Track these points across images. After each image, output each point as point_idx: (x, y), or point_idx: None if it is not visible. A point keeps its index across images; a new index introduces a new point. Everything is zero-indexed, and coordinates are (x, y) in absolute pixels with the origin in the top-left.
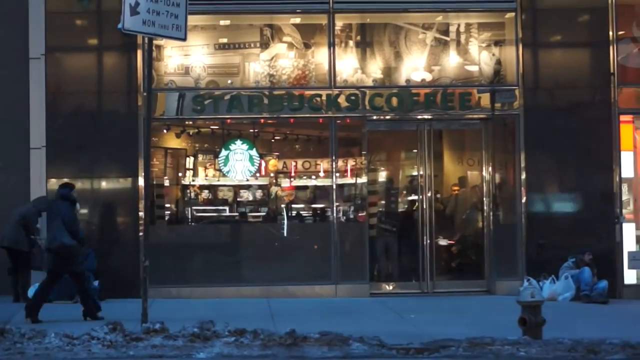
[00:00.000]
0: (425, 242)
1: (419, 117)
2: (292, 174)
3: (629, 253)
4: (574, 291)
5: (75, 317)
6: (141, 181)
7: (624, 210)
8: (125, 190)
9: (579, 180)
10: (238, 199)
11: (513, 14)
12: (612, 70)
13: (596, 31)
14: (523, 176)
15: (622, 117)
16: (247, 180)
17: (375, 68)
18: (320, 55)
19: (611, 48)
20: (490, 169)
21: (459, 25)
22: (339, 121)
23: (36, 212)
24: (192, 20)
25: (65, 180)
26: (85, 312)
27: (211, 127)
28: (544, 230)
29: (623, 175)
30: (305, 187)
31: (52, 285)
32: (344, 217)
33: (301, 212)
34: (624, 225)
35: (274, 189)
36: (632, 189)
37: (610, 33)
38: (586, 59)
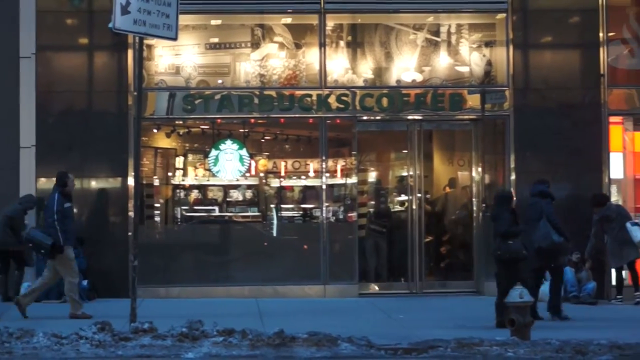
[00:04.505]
0: (414, 243)
1: (409, 117)
2: (282, 174)
3: None
4: (562, 292)
5: (63, 316)
6: (131, 181)
7: None
8: (114, 189)
9: (568, 181)
10: (228, 199)
11: (504, 15)
12: (602, 72)
13: (587, 32)
14: (513, 177)
15: (612, 119)
16: (237, 180)
17: (366, 68)
18: (311, 55)
19: (601, 49)
20: (480, 169)
21: (449, 26)
22: (329, 121)
23: (22, 210)
24: (183, 19)
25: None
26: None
27: (201, 126)
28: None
29: (612, 176)
30: (295, 187)
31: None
32: (334, 218)
33: (291, 212)
34: None
35: (263, 189)
36: (621, 190)
37: (601, 34)
38: (576, 60)
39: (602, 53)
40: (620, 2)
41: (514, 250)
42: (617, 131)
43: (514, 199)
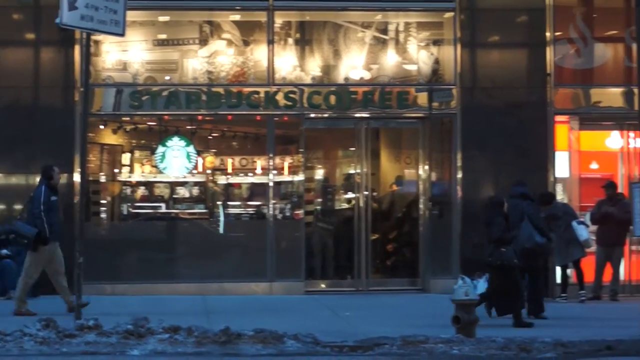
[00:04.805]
0: (361, 240)
1: (357, 115)
2: (229, 171)
3: None
4: None
5: (7, 313)
6: (77, 177)
7: None
8: (60, 186)
9: (514, 179)
10: (174, 196)
11: (452, 13)
12: (548, 71)
13: (534, 32)
14: (459, 175)
15: (558, 118)
16: (184, 177)
17: (314, 66)
18: (259, 53)
19: (548, 49)
20: (427, 167)
21: (398, 24)
22: (276, 118)
23: None
24: (131, 15)
25: None
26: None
27: (148, 123)
28: (479, 229)
29: (557, 175)
30: (242, 184)
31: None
32: (281, 215)
33: (238, 210)
34: None
35: (210, 186)
36: (566, 188)
37: (547, 34)
38: (523, 59)
39: (549, 52)
40: (567, 2)
41: (506, 258)
42: (562, 130)
43: (506, 204)
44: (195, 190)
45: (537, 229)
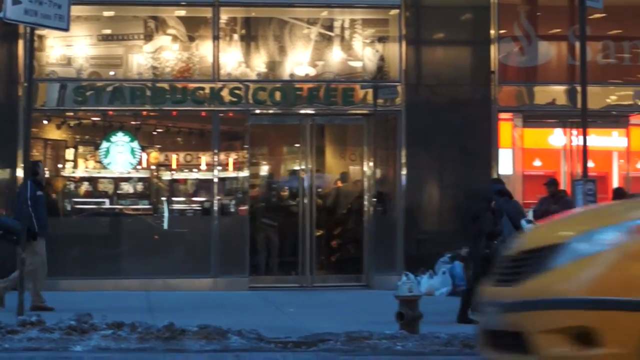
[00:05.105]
0: (305, 237)
1: (302, 111)
2: (174, 167)
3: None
4: (451, 286)
5: None
6: (20, 172)
7: None
8: (3, 181)
9: (458, 176)
10: (118, 192)
11: (397, 10)
12: (492, 69)
13: (478, 30)
14: (403, 172)
15: (502, 115)
16: (128, 172)
17: (259, 62)
18: (204, 48)
19: (492, 47)
20: (371, 164)
21: (343, 20)
22: (222, 114)
23: None
24: (75, 10)
25: None
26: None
27: (92, 118)
28: (423, 225)
29: (501, 172)
30: (186, 180)
31: None
32: (225, 211)
33: (182, 205)
34: None
35: (154, 182)
36: (510, 186)
37: (492, 32)
38: (468, 56)
39: (493, 50)
40: (511, 0)
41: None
42: (506, 127)
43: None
44: (140, 186)
45: (515, 227)
